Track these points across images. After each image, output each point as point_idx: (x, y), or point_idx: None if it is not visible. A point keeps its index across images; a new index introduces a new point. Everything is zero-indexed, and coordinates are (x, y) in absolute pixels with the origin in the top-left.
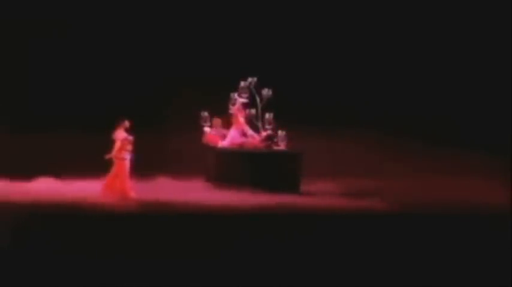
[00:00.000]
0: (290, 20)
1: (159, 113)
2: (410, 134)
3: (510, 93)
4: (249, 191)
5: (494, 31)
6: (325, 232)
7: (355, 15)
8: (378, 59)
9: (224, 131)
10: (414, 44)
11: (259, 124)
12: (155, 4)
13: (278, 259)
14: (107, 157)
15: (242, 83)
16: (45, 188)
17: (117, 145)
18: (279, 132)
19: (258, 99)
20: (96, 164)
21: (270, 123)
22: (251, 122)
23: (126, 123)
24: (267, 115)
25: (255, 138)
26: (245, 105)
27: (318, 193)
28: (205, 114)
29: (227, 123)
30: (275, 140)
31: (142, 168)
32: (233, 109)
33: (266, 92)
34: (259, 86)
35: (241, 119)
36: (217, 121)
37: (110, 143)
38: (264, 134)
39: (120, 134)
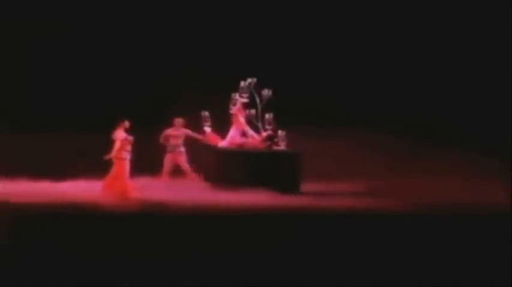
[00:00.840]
0: (290, 21)
1: (159, 113)
2: (411, 134)
3: (510, 93)
4: (249, 191)
5: (494, 31)
6: (325, 232)
7: (354, 15)
8: (378, 59)
9: (185, 131)
10: (416, 44)
11: (259, 124)
12: (155, 4)
13: (278, 259)
14: (107, 157)
15: (242, 83)
16: (45, 188)
17: (117, 145)
18: (279, 132)
19: (257, 100)
20: (96, 164)
21: (270, 124)
22: (251, 122)
23: (126, 123)
24: (267, 115)
25: (255, 139)
26: (245, 106)
27: (318, 193)
28: (206, 114)
29: (227, 124)
30: (275, 140)
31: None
32: (234, 109)
33: (266, 92)
34: (259, 87)
35: (242, 119)
36: (178, 121)
37: (109, 143)
38: (264, 134)
39: (120, 134)
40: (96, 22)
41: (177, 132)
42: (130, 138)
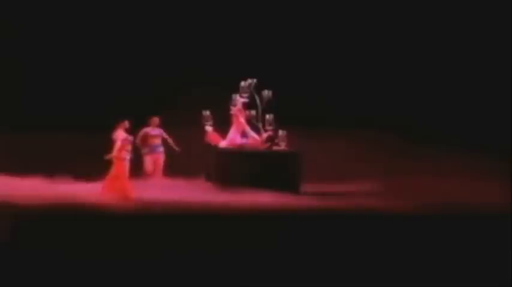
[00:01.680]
0: (290, 21)
1: (160, 113)
2: (410, 135)
3: (510, 93)
4: (249, 191)
5: (494, 31)
6: (325, 232)
7: (354, 17)
8: (379, 59)
9: (161, 131)
10: (418, 45)
11: (260, 125)
12: (156, 4)
13: (278, 259)
14: (107, 157)
15: (242, 83)
16: (45, 188)
17: (117, 145)
18: (280, 132)
19: (258, 100)
20: (96, 164)
21: (270, 124)
22: (251, 123)
23: (126, 124)
24: (268, 116)
25: (255, 140)
26: (245, 106)
27: (318, 193)
28: (207, 113)
29: (228, 124)
30: (276, 141)
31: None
32: (234, 110)
33: (266, 93)
34: (259, 87)
35: (242, 120)
36: (155, 120)
37: (110, 143)
38: (264, 135)
39: (120, 134)
40: (97, 22)
41: (155, 132)
42: (131, 138)
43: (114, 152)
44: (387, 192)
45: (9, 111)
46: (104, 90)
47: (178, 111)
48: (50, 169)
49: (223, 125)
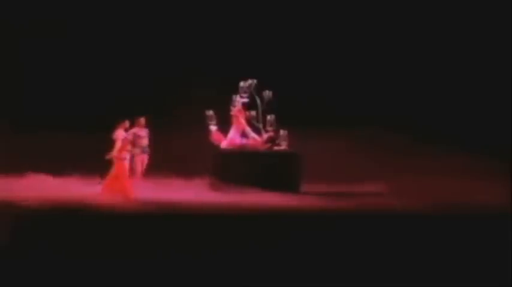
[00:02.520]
0: (290, 22)
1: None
2: (410, 135)
3: (510, 93)
4: (249, 191)
5: (494, 31)
6: (325, 232)
7: (355, 17)
8: (380, 59)
9: (147, 130)
10: (418, 45)
11: (260, 126)
12: (156, 4)
13: (278, 259)
14: (107, 156)
15: (241, 83)
16: (45, 188)
17: (117, 145)
18: (282, 131)
19: (258, 101)
20: (96, 164)
21: (271, 125)
22: (251, 123)
23: (126, 123)
24: (269, 117)
25: (256, 141)
26: (245, 106)
27: (318, 193)
28: (210, 113)
29: (229, 124)
30: (277, 142)
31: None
32: (234, 111)
33: (267, 94)
34: (259, 88)
35: (242, 120)
36: (142, 120)
37: (110, 143)
38: (265, 136)
39: (120, 134)
40: (98, 22)
41: (143, 133)
42: (131, 138)
43: (114, 152)
44: (386, 192)
45: (10, 111)
46: (104, 90)
47: (178, 111)
48: (50, 169)
49: (223, 125)
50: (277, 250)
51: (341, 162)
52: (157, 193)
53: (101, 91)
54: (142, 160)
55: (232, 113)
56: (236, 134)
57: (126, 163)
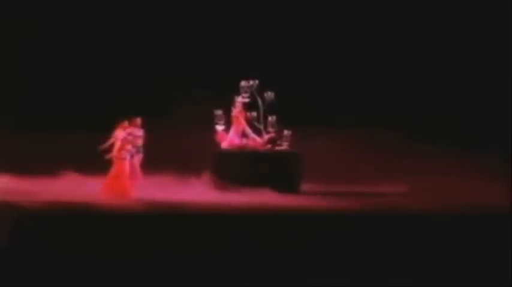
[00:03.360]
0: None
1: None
2: (410, 134)
3: (510, 93)
4: (249, 191)
5: (494, 31)
6: (325, 232)
7: (356, 17)
8: (380, 59)
9: (142, 130)
10: (418, 44)
11: (261, 127)
12: (157, 4)
13: (278, 259)
14: (107, 156)
15: (242, 83)
16: (45, 187)
17: (117, 144)
18: (285, 131)
19: (259, 102)
20: (96, 164)
21: (273, 126)
22: (252, 124)
23: (126, 124)
24: (270, 118)
25: (256, 141)
26: (246, 106)
27: (318, 193)
28: (219, 112)
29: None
30: (278, 142)
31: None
32: (234, 111)
33: (269, 95)
34: (261, 89)
35: (243, 121)
36: (138, 121)
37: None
38: (266, 136)
39: (120, 134)
40: (98, 23)
41: (139, 133)
42: (131, 138)
43: (114, 152)
44: (386, 192)
45: (10, 111)
46: (104, 90)
47: (178, 111)
48: (49, 169)
49: (228, 125)
50: (277, 250)
51: (341, 162)
52: (158, 192)
53: (101, 91)
54: (138, 160)
55: (232, 113)
56: (235, 135)
57: (127, 163)
